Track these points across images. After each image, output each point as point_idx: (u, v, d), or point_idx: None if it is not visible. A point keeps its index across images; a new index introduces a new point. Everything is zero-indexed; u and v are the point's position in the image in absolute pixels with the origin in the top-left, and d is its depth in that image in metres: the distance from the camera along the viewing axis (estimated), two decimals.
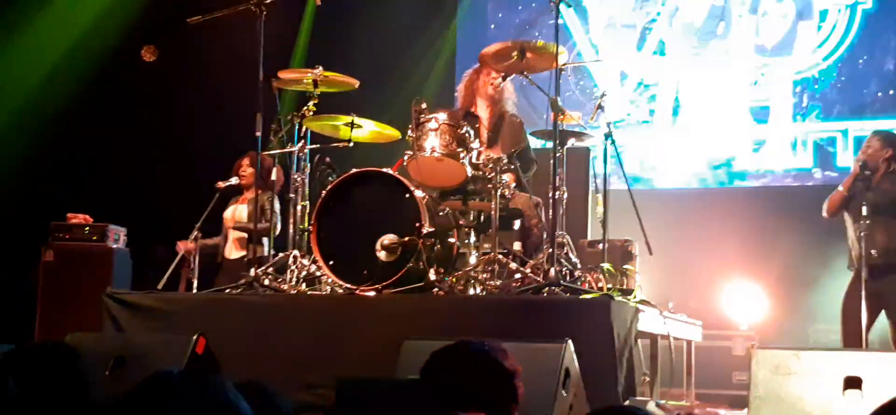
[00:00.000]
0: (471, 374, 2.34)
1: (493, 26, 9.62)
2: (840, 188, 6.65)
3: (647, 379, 5.59)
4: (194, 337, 4.89)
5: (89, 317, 6.38)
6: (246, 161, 7.23)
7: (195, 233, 6.73)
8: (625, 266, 6.31)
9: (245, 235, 7.19)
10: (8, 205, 8.53)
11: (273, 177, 6.29)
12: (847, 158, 8.47)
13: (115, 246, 7.69)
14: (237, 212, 7.38)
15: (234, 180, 7.15)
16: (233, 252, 7.36)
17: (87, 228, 7.70)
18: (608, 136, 6.17)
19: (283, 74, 6.11)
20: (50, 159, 8.84)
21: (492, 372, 2.37)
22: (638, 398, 5.10)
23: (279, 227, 6.89)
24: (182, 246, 7.05)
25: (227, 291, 5.81)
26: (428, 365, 2.40)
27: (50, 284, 7.55)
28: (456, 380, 2.34)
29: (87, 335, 5.57)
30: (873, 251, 6.26)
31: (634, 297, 5.59)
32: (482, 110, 6.30)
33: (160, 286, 6.34)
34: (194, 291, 6.46)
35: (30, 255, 7.79)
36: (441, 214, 5.76)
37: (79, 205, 7.88)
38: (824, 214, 6.73)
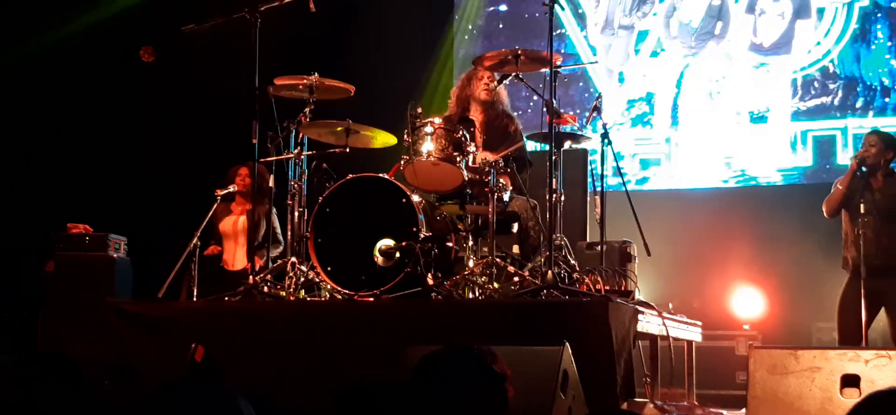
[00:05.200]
0: (460, 378, 2.35)
1: (490, 30, 9.62)
2: (838, 186, 6.64)
3: (648, 380, 5.58)
4: (193, 346, 4.90)
5: (91, 326, 6.39)
6: (244, 171, 7.22)
7: (195, 240, 6.72)
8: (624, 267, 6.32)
9: (244, 246, 7.19)
10: (8, 216, 8.54)
11: (269, 184, 6.31)
12: (847, 156, 8.46)
13: (115, 255, 7.70)
14: (238, 223, 7.35)
15: (232, 188, 7.14)
16: (236, 263, 7.34)
17: (88, 238, 7.70)
18: (605, 138, 6.17)
19: (278, 81, 6.11)
20: (49, 170, 8.85)
21: (480, 376, 2.37)
22: (637, 400, 5.09)
23: (282, 245, 6.90)
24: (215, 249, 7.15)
25: (227, 298, 5.81)
26: (417, 370, 2.41)
27: (51, 295, 7.55)
28: (445, 384, 2.35)
29: (87, 345, 5.60)
30: (872, 252, 6.24)
31: (633, 298, 5.59)
32: (476, 114, 6.31)
33: (160, 295, 6.34)
34: (194, 299, 6.47)
35: (31, 266, 7.80)
36: (438, 218, 5.76)
37: (79, 215, 7.89)
38: (825, 213, 6.72)
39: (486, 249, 5.74)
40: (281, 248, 6.94)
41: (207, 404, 1.72)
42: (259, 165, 6.10)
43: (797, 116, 8.84)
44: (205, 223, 6.71)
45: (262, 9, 5.97)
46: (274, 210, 6.96)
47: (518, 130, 6.41)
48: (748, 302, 8.33)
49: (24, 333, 7.64)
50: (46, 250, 7.67)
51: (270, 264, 6.35)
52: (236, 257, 7.27)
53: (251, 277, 5.75)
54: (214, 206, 6.95)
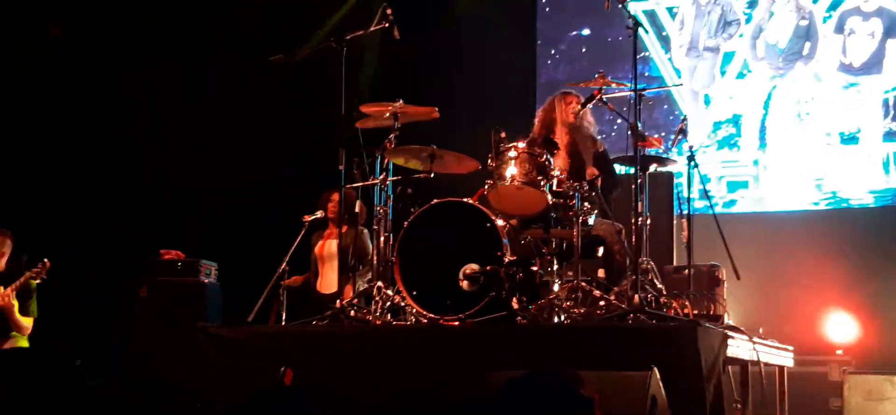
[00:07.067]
0: (547, 403, 2.34)
1: (572, 54, 9.60)
2: None
3: (738, 407, 5.49)
4: (282, 369, 4.98)
5: (182, 351, 6.53)
6: (336, 196, 7.31)
7: (284, 266, 6.84)
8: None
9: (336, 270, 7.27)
10: (104, 242, 8.79)
11: (356, 210, 6.39)
12: None
13: (206, 281, 7.85)
14: (330, 246, 7.43)
15: (319, 214, 7.24)
16: (325, 287, 7.44)
17: (180, 264, 7.87)
18: (691, 160, 6.10)
19: (364, 108, 6.20)
20: (143, 197, 9.09)
21: (567, 401, 2.36)
22: None
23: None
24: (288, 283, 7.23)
25: (314, 322, 5.89)
26: (503, 395, 2.41)
27: (144, 319, 7.73)
28: (532, 409, 2.34)
29: (179, 369, 5.73)
30: None
31: (722, 323, 5.50)
32: (561, 137, 6.28)
33: (250, 319, 6.46)
34: (283, 323, 6.57)
35: (125, 291, 8.00)
36: (523, 242, 5.76)
37: (171, 241, 8.07)
38: None
39: (571, 273, 5.71)
40: (371, 273, 7.00)
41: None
42: (348, 190, 6.19)
43: (889, 136, 8.62)
44: (293, 249, 6.81)
45: (348, 38, 6.08)
46: (366, 234, 7.03)
47: (606, 154, 6.36)
48: (841, 326, 8.14)
49: (117, 358, 7.84)
50: (140, 276, 7.86)
51: (359, 288, 6.41)
52: (329, 282, 7.36)
53: (338, 301, 5.83)
54: (302, 231, 7.05)
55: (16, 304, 6.99)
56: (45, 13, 8.81)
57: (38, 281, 7.03)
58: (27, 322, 7.06)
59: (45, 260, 7.01)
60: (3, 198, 8.75)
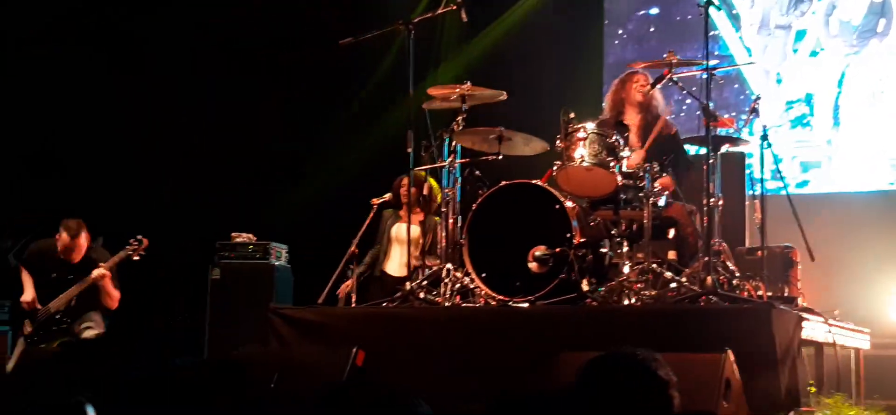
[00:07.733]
0: (625, 384, 2.34)
1: (640, 34, 9.49)
2: None
3: (814, 389, 5.41)
4: (354, 350, 5.03)
5: (254, 332, 6.63)
6: (406, 180, 7.32)
7: (353, 248, 6.87)
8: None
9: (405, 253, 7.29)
10: (177, 226, 8.95)
11: (425, 191, 6.40)
12: None
13: (277, 263, 7.95)
14: (400, 230, 7.44)
15: (387, 196, 7.26)
16: (395, 269, 7.46)
17: (251, 247, 7.99)
18: (765, 139, 6.01)
19: (432, 91, 6.21)
20: (215, 181, 9.22)
21: (646, 382, 2.35)
22: (803, 410, 4.94)
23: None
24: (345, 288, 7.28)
25: (385, 304, 5.93)
26: (581, 376, 2.41)
27: (217, 301, 7.87)
28: (610, 391, 2.34)
29: (252, 350, 5.82)
30: None
31: (796, 305, 5.43)
32: (631, 117, 6.23)
33: (320, 301, 6.53)
34: (353, 305, 6.62)
35: (198, 273, 8.14)
36: (592, 223, 5.73)
37: (242, 224, 8.19)
38: None
39: (641, 254, 5.67)
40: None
41: (387, 404, 1.78)
42: (420, 175, 6.22)
43: None
44: (362, 231, 6.85)
45: (416, 21, 6.09)
46: (435, 219, 7.04)
47: (677, 136, 6.29)
48: None
49: (192, 338, 7.99)
50: (212, 259, 7.98)
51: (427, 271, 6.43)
52: (398, 264, 7.39)
53: (408, 283, 5.86)
54: (371, 214, 7.09)
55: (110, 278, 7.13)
56: (45, 13, 8.96)
57: (136, 258, 7.16)
58: (117, 295, 7.20)
59: (141, 237, 7.13)
60: (71, 176, 8.98)
